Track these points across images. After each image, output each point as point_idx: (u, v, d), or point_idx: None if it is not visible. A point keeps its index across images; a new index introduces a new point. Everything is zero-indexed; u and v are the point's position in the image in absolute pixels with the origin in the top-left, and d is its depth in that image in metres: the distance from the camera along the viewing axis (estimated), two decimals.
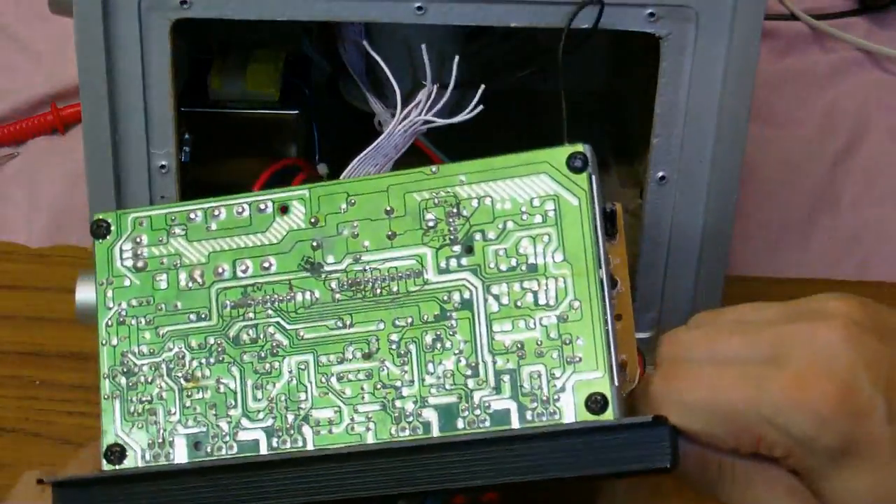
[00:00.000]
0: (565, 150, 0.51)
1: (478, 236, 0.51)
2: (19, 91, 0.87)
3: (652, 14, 0.57)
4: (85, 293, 0.63)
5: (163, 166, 0.60)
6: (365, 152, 0.59)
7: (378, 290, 0.51)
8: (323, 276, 0.52)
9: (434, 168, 0.51)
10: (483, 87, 0.57)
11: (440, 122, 0.59)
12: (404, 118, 0.58)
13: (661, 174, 0.61)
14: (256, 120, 0.68)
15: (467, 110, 0.59)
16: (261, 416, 0.52)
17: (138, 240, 0.53)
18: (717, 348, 0.48)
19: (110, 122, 0.58)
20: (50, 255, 0.78)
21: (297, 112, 0.68)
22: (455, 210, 0.51)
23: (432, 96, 0.59)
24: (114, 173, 0.59)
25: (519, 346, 0.50)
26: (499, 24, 0.57)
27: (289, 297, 0.52)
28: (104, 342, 0.53)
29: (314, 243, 0.52)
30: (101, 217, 0.54)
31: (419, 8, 0.57)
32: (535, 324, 0.50)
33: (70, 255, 0.77)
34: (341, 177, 0.59)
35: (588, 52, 0.81)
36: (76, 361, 0.71)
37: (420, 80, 0.59)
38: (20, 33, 0.91)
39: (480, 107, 0.58)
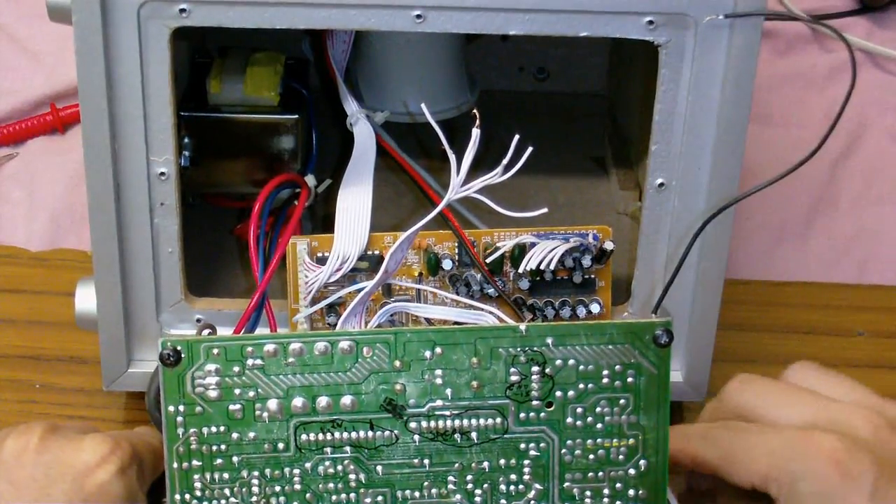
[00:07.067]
0: (653, 326, 0.53)
1: (559, 393, 0.53)
2: (19, 91, 0.87)
3: (651, 22, 0.57)
4: (85, 299, 0.64)
5: (162, 174, 0.60)
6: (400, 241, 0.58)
7: (458, 437, 0.53)
8: (405, 417, 0.53)
9: (523, 328, 0.53)
10: (530, 150, 0.53)
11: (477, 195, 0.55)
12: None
13: (659, 181, 0.61)
14: (256, 124, 0.68)
15: (497, 172, 0.54)
16: None
17: (212, 369, 0.52)
18: None
19: (110, 130, 0.58)
20: (50, 259, 0.78)
21: (296, 116, 0.68)
22: (540, 368, 0.53)
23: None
24: (113, 181, 0.59)
25: (589, 494, 0.54)
26: (498, 32, 0.57)
27: (369, 436, 0.53)
28: (175, 465, 0.53)
29: (398, 387, 0.53)
30: (170, 345, 0.52)
31: (418, 16, 0.57)
32: (604, 476, 0.54)
33: (70, 259, 0.77)
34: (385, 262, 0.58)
35: (588, 56, 0.82)
36: (76, 365, 0.71)
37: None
38: (20, 33, 0.91)
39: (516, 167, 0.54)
